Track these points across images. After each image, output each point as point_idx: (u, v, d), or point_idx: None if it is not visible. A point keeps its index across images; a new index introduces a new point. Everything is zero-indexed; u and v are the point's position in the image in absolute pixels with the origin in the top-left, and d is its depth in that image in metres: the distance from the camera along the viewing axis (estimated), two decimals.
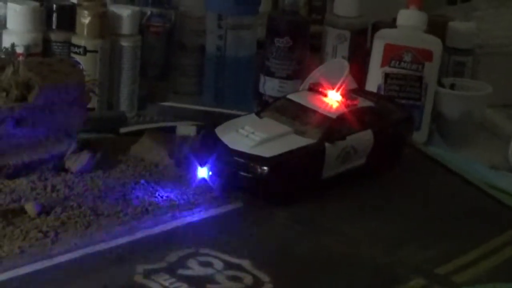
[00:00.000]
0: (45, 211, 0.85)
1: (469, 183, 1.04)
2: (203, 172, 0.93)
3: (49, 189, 0.90)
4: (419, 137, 1.16)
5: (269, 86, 1.21)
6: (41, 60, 0.96)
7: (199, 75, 1.26)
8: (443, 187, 1.04)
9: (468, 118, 1.18)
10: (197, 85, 1.27)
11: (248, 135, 0.94)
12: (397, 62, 1.15)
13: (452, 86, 1.22)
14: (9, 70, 0.92)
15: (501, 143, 1.19)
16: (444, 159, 1.10)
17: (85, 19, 1.11)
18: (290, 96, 1.01)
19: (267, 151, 0.91)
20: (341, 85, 1.02)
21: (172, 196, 0.92)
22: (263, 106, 1.09)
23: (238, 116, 1.10)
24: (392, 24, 1.23)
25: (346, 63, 1.15)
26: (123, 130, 1.09)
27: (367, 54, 1.21)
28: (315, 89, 1.01)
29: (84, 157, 0.95)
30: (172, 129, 1.09)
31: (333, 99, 0.99)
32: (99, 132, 1.06)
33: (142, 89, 1.19)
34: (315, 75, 1.18)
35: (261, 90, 1.22)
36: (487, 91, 1.18)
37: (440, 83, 1.20)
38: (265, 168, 0.90)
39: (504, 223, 0.94)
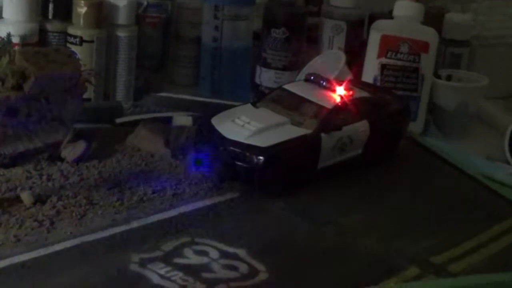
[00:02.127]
0: (40, 200, 0.85)
1: (465, 174, 1.04)
2: (200, 162, 0.93)
3: (44, 178, 0.90)
4: (415, 128, 1.16)
5: (265, 77, 1.21)
6: (37, 49, 0.95)
7: (195, 66, 1.26)
8: (439, 178, 1.04)
9: (464, 110, 1.18)
10: (194, 76, 1.27)
11: (244, 125, 0.94)
12: (394, 53, 1.15)
13: (448, 78, 1.22)
14: (4, 60, 0.92)
15: (496, 134, 1.19)
16: (440, 150, 1.10)
17: (81, 9, 1.11)
18: (286, 87, 1.01)
19: (263, 141, 0.91)
20: (339, 77, 1.02)
21: (168, 185, 0.92)
22: (259, 96, 1.09)
23: (232, 106, 1.10)
24: (389, 15, 1.23)
25: (342, 55, 1.16)
26: (119, 120, 1.09)
27: (364, 45, 1.21)
28: (311, 80, 1.01)
29: (80, 147, 0.95)
30: (169, 120, 1.10)
31: (329, 89, 0.99)
32: (95, 122, 1.06)
33: (138, 80, 1.19)
34: (311, 66, 1.18)
35: (257, 81, 1.22)
36: (484, 82, 1.18)
37: (436, 75, 1.20)
38: (261, 157, 0.90)
39: (499, 214, 0.94)
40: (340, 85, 1.00)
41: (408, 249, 0.84)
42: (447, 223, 0.91)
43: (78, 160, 0.94)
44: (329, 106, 0.97)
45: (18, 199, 0.85)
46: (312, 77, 1.01)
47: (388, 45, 1.15)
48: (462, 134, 1.19)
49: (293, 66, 1.20)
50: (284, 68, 1.20)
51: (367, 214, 0.91)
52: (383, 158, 1.03)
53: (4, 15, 1.10)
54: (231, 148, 0.92)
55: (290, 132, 0.94)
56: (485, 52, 1.31)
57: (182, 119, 1.09)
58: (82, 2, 1.10)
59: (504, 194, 0.99)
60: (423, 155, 1.10)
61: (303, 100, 0.98)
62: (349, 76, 1.11)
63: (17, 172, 0.91)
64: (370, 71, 1.17)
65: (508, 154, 1.08)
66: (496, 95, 1.29)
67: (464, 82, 1.20)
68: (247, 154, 0.91)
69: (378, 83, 1.15)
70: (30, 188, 0.88)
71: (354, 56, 1.20)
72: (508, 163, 1.09)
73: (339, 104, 0.98)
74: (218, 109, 1.11)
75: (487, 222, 0.92)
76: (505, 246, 0.87)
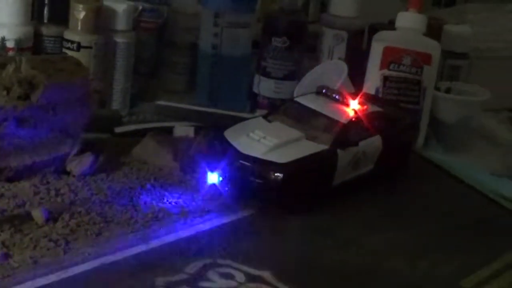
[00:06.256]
0: (52, 217, 0.81)
1: (475, 190, 1.03)
2: (213, 178, 0.89)
3: (53, 193, 0.86)
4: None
5: (264, 87, 1.18)
6: (44, 57, 0.91)
7: (189, 73, 1.23)
8: (449, 194, 1.03)
9: (465, 123, 1.17)
10: (188, 83, 1.23)
11: (260, 140, 0.90)
12: (397, 65, 1.13)
13: (447, 90, 1.20)
14: (10, 67, 0.87)
15: (494, 148, 1.18)
16: (447, 166, 1.09)
17: (79, 13, 1.06)
18: (298, 100, 0.98)
19: (281, 157, 0.88)
20: (349, 89, 1.00)
21: (181, 202, 0.88)
22: (270, 109, 1.06)
23: (234, 117, 1.07)
24: (389, 26, 1.21)
25: (344, 65, 1.13)
26: (118, 130, 1.05)
27: (364, 55, 1.19)
28: (323, 92, 0.98)
29: (87, 160, 0.91)
30: (170, 130, 1.06)
31: (343, 103, 0.97)
32: (94, 132, 1.02)
33: (133, 87, 1.15)
34: (311, 76, 1.15)
35: (255, 90, 1.19)
36: (486, 96, 1.17)
37: (436, 87, 1.18)
38: (279, 174, 0.87)
39: None
40: (354, 99, 0.97)
41: (435, 271, 0.82)
42: (467, 244, 0.89)
43: (85, 174, 0.90)
44: (344, 121, 0.94)
45: (28, 216, 0.80)
46: (324, 90, 0.99)
47: (391, 57, 1.13)
48: (462, 148, 1.17)
49: (293, 76, 1.17)
50: (284, 78, 1.17)
51: (388, 233, 0.89)
52: (394, 173, 1.01)
53: None
54: (247, 163, 0.88)
55: (307, 148, 0.91)
56: (480, 64, 1.30)
57: (184, 130, 1.06)
58: (80, 6, 1.06)
59: None
60: (430, 170, 1.09)
61: (317, 114, 0.95)
62: (351, 88, 1.09)
63: (24, 186, 0.86)
64: (372, 83, 1.14)
65: None
66: (491, 108, 1.28)
67: (464, 95, 1.19)
68: (265, 170, 0.88)
69: (380, 95, 1.13)
70: (39, 204, 0.83)
71: (354, 66, 1.18)
72: None
73: (354, 118, 0.95)
74: (218, 119, 1.08)
75: (505, 242, 0.90)
76: None
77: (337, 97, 0.97)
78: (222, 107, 1.14)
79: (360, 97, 0.98)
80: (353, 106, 0.96)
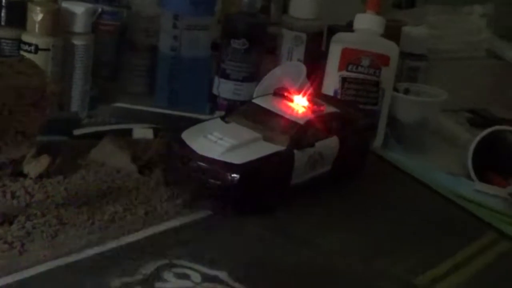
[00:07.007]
0: (7, 220, 0.81)
1: (431, 190, 1.04)
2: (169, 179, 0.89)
3: (8, 196, 0.86)
4: (375, 141, 1.15)
5: (224, 89, 1.18)
6: (1, 59, 0.91)
7: (149, 75, 1.23)
8: (405, 193, 1.04)
9: (424, 124, 1.18)
10: (146, 85, 1.23)
11: (217, 141, 0.91)
12: (355, 67, 1.14)
13: (406, 91, 1.21)
14: None
15: (452, 148, 1.20)
16: (404, 166, 1.10)
17: (37, 16, 1.06)
18: (256, 101, 0.99)
19: (238, 158, 0.89)
20: (307, 91, 1.00)
21: (137, 203, 0.88)
22: (227, 110, 1.07)
23: (193, 119, 1.08)
24: (347, 28, 1.22)
25: (303, 67, 1.13)
26: (77, 132, 1.05)
27: (322, 56, 1.20)
28: (281, 94, 0.99)
29: (44, 162, 0.91)
30: (128, 132, 1.06)
31: (300, 104, 0.98)
32: (52, 134, 1.02)
33: (92, 89, 1.15)
34: (271, 77, 1.16)
35: (215, 92, 1.19)
36: (444, 97, 1.18)
37: (394, 88, 1.19)
38: (236, 175, 0.88)
39: (470, 232, 0.95)
40: (311, 100, 0.98)
41: (390, 269, 0.83)
42: (422, 242, 0.91)
43: (42, 176, 0.90)
44: (301, 122, 0.95)
45: None
46: (281, 91, 0.99)
47: (349, 58, 1.14)
48: (421, 148, 1.18)
49: (252, 78, 1.17)
50: (244, 80, 1.18)
51: (344, 233, 0.89)
52: (351, 174, 1.02)
53: None
54: (204, 164, 0.89)
55: (264, 148, 0.91)
56: (438, 65, 1.31)
57: (143, 132, 1.06)
58: (38, 8, 1.05)
59: (473, 211, 0.99)
60: (388, 170, 1.10)
61: (274, 115, 0.96)
62: (309, 89, 1.09)
63: None
64: (331, 84, 1.15)
65: (471, 171, 1.08)
66: (447, 108, 1.29)
67: (423, 96, 1.20)
68: (221, 171, 0.88)
69: (339, 96, 1.14)
70: None
71: (313, 68, 1.18)
72: (469, 178, 1.09)
73: (311, 119, 0.96)
74: (177, 121, 1.08)
75: (460, 240, 0.92)
76: (482, 265, 0.87)
77: (294, 98, 0.98)
78: (181, 109, 1.15)
79: (317, 98, 0.99)
80: (310, 107, 0.97)
